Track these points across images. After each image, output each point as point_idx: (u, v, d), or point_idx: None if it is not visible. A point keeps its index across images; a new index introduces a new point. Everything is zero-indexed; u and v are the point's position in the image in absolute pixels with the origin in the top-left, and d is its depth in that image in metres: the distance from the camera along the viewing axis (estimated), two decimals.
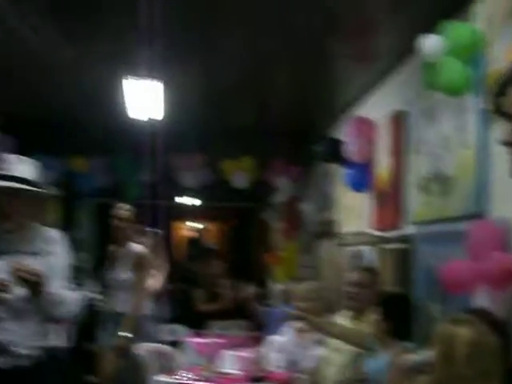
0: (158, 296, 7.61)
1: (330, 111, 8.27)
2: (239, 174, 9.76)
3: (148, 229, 8.42)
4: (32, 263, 3.71)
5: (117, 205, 6.24)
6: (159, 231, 8.88)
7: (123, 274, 5.80)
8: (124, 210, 6.23)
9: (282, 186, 10.06)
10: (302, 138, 9.27)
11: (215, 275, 9.21)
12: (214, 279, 9.09)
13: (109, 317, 5.77)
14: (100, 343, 6.49)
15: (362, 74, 6.54)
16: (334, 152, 7.06)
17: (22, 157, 3.93)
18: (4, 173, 3.75)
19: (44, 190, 4.00)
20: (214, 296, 8.82)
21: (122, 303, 5.57)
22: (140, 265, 5.79)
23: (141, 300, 5.72)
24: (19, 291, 3.65)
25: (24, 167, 3.81)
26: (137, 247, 5.85)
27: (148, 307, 5.88)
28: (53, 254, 3.87)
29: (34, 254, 3.81)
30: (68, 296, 3.82)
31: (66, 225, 10.90)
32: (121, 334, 5.61)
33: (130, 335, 5.61)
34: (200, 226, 17.57)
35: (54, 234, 4.00)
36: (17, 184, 3.73)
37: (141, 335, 5.74)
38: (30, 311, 3.75)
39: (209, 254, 9.53)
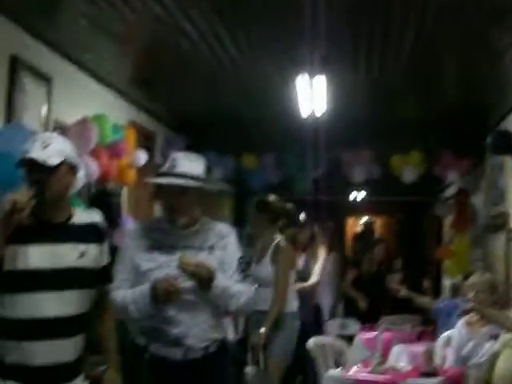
0: (312, 291, 7.64)
1: (500, 104, 8.06)
2: (408, 169, 9.67)
3: (308, 222, 8.47)
4: (203, 258, 3.81)
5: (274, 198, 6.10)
6: (320, 225, 8.93)
7: (266, 269, 5.76)
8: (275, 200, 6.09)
9: (452, 180, 9.90)
10: (471, 130, 9.08)
11: (385, 269, 9.18)
12: (383, 273, 9.06)
13: (254, 314, 5.73)
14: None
15: None
16: (505, 144, 6.88)
17: (190, 154, 4.04)
18: (174, 170, 3.87)
19: (213, 187, 4.09)
20: (384, 290, 8.79)
21: (263, 301, 5.49)
22: (277, 259, 5.68)
23: (279, 296, 5.62)
24: (190, 285, 3.78)
25: (193, 164, 3.90)
26: (278, 241, 5.75)
27: (291, 303, 5.77)
28: (224, 249, 3.93)
29: (206, 248, 3.90)
30: (238, 290, 3.87)
31: (238, 220, 11.20)
32: (257, 331, 5.55)
33: (263, 332, 5.55)
34: (367, 220, 17.50)
35: (225, 228, 4.08)
36: (185, 181, 3.83)
37: (285, 332, 5.68)
38: (201, 304, 3.83)
39: (377, 248, 9.47)
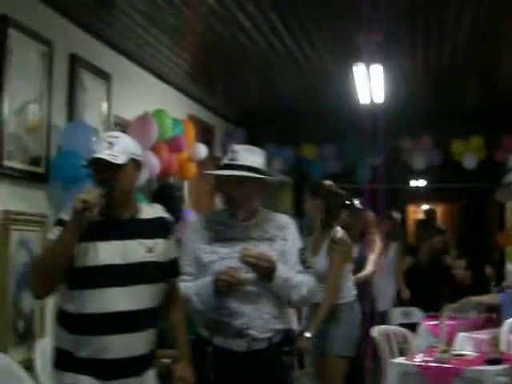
0: (367, 282, 7.57)
1: None
2: (468, 154, 9.59)
3: (365, 209, 8.40)
4: (264, 249, 3.83)
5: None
6: (381, 213, 8.88)
7: (322, 260, 5.61)
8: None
9: None
10: None
11: (448, 256, 9.11)
12: (447, 260, 8.99)
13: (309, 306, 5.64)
14: None
15: None
16: None
17: (250, 146, 4.06)
18: (234, 162, 3.90)
19: (273, 178, 4.10)
20: (449, 277, 8.72)
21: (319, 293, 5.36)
22: (333, 250, 5.50)
23: (331, 291, 5.46)
24: (252, 277, 3.80)
25: (253, 157, 3.91)
26: (334, 231, 5.58)
27: (348, 293, 5.63)
28: (285, 240, 3.94)
29: (267, 239, 3.90)
30: (300, 280, 3.88)
31: (298, 211, 11.21)
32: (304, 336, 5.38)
33: (310, 336, 5.42)
34: (428, 207, 17.37)
35: (285, 219, 4.09)
36: (245, 172, 3.84)
37: (343, 326, 5.56)
38: (264, 295, 3.84)
39: (439, 235, 9.39)
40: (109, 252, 3.20)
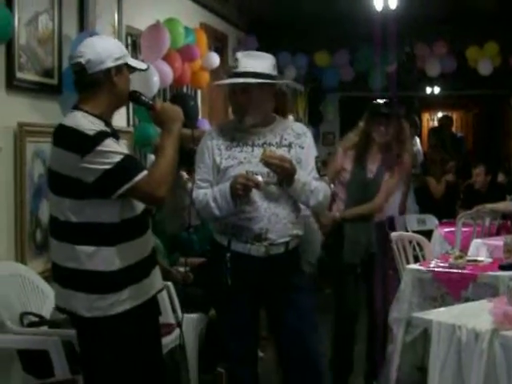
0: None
1: None
2: (484, 61, 9.46)
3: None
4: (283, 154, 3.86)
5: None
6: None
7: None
8: None
9: None
10: None
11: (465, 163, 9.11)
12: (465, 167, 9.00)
13: None
14: None
15: None
16: None
17: (254, 52, 3.99)
18: (236, 70, 3.85)
19: (278, 82, 4.04)
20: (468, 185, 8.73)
21: None
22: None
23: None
24: (270, 180, 3.80)
25: (257, 62, 3.85)
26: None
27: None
28: (300, 147, 3.93)
29: (284, 146, 3.90)
30: (316, 186, 3.90)
31: (313, 119, 11.17)
32: None
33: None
34: (443, 114, 17.27)
35: (301, 127, 4.07)
36: (248, 79, 3.80)
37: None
38: (282, 200, 3.86)
39: (456, 143, 9.39)
40: None
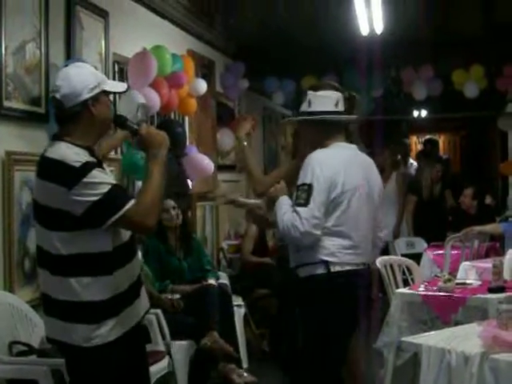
0: None
1: None
2: (470, 84, 9.53)
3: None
4: None
5: None
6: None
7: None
8: None
9: None
10: None
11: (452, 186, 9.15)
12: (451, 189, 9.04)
13: None
14: None
15: None
16: None
17: None
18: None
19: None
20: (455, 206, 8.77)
21: None
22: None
23: None
24: None
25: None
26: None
27: None
28: None
29: None
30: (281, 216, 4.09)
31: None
32: None
33: None
34: (429, 137, 17.38)
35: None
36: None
37: None
38: None
39: (442, 165, 9.42)
40: None
